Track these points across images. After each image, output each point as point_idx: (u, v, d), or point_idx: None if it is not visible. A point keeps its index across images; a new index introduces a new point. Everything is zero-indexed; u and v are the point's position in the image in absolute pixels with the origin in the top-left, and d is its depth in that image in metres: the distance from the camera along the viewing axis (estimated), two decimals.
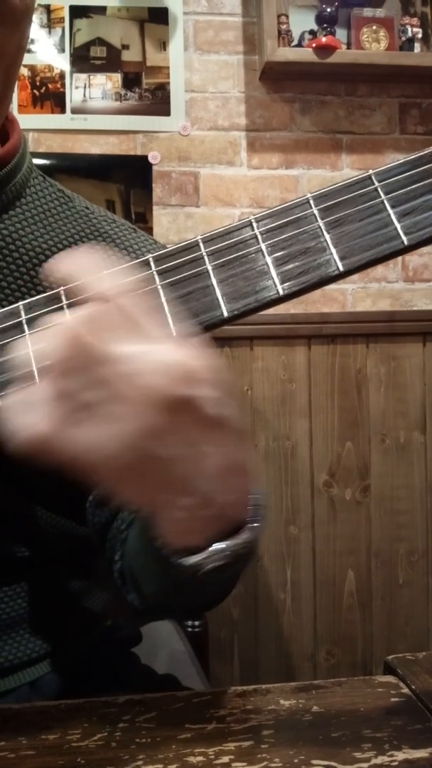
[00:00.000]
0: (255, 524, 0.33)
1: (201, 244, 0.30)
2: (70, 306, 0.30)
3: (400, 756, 0.32)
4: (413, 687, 0.38)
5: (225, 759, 0.32)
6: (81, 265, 0.29)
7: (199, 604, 0.43)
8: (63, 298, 0.31)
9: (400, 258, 1.44)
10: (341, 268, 0.29)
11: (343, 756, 0.32)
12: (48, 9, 1.33)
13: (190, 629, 0.82)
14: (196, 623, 0.83)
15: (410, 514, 1.41)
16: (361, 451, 1.40)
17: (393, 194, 0.29)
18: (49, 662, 0.50)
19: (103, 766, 0.32)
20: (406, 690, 0.38)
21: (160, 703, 0.38)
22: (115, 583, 0.47)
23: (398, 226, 0.29)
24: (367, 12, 1.36)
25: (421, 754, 0.32)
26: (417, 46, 1.36)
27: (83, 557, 0.54)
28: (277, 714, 0.36)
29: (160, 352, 0.27)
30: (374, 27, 1.35)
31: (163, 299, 0.29)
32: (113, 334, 0.27)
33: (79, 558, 0.54)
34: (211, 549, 0.32)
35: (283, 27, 1.34)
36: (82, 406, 0.27)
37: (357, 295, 1.42)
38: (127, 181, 1.36)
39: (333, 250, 0.29)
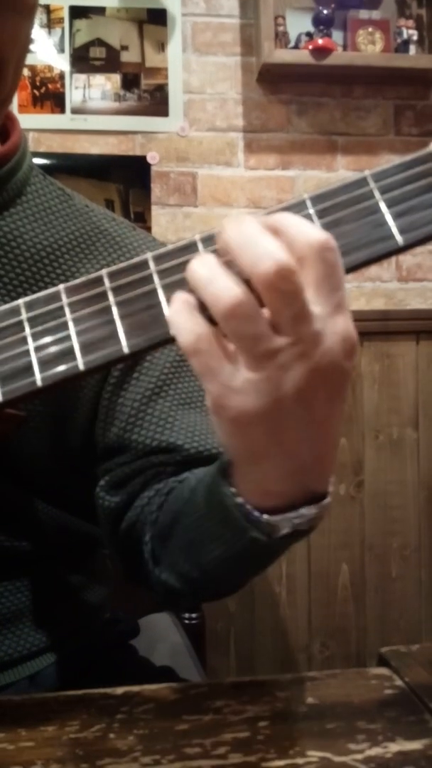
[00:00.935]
0: (326, 501, 0.33)
1: (199, 244, 0.30)
2: (70, 305, 0.30)
3: (394, 747, 0.33)
4: (406, 679, 0.39)
5: (221, 750, 0.32)
6: (277, 214, 0.28)
7: (249, 578, 0.42)
8: (63, 295, 0.31)
9: (394, 258, 1.45)
10: None
11: (337, 747, 0.32)
12: (48, 9, 1.34)
13: (187, 621, 0.83)
14: (194, 616, 0.84)
15: (403, 509, 1.42)
16: (356, 447, 1.41)
17: (388, 195, 0.29)
18: (49, 656, 0.50)
19: (101, 757, 0.32)
20: (399, 682, 0.39)
21: (157, 695, 0.38)
22: (136, 566, 0.46)
23: (393, 226, 0.29)
24: (363, 14, 1.37)
25: (414, 745, 0.33)
26: (412, 48, 1.37)
27: (82, 551, 0.55)
28: (273, 705, 0.36)
29: (338, 319, 0.27)
30: (370, 29, 1.36)
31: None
32: (319, 289, 0.26)
33: (79, 552, 0.54)
34: (288, 514, 0.32)
35: (280, 29, 1.34)
36: (262, 353, 0.26)
37: (351, 294, 1.43)
38: (126, 181, 1.36)
39: None
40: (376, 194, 0.30)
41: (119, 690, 0.39)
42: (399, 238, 0.29)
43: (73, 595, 0.54)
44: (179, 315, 0.27)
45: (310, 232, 0.27)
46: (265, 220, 0.27)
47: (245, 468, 0.32)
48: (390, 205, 0.29)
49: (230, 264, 0.27)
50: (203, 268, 0.27)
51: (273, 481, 0.30)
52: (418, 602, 1.43)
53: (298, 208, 0.30)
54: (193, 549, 0.39)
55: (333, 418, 0.29)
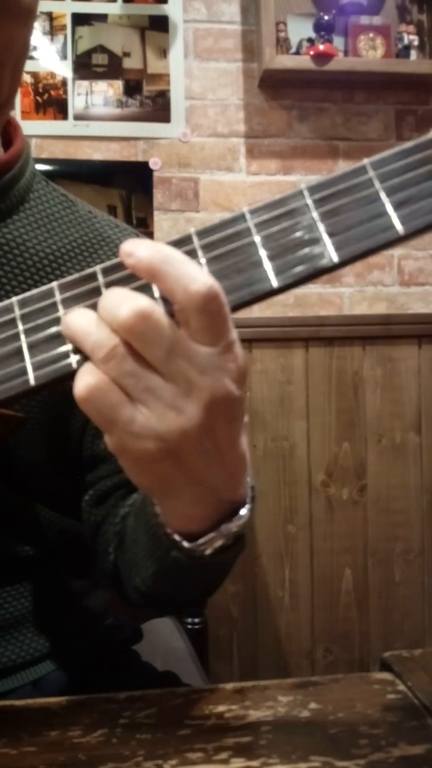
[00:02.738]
0: (249, 506, 0.34)
1: (194, 237, 0.30)
2: (64, 302, 0.30)
3: (397, 752, 0.32)
4: (409, 684, 0.39)
5: (224, 755, 0.32)
6: (159, 252, 0.28)
7: (197, 592, 0.43)
8: (56, 292, 0.30)
9: (396, 262, 1.45)
10: (336, 259, 0.28)
11: (340, 752, 0.32)
12: (50, 16, 1.35)
13: (189, 627, 0.83)
14: (196, 621, 0.84)
15: (406, 513, 1.42)
16: (358, 451, 1.41)
17: (388, 183, 0.29)
18: (52, 661, 0.50)
19: (103, 762, 0.32)
20: (402, 687, 0.39)
21: (159, 700, 0.38)
22: (109, 577, 0.48)
23: (394, 215, 0.28)
24: (364, 20, 1.38)
25: (416, 750, 0.33)
26: (413, 54, 1.38)
27: (84, 556, 0.55)
28: (275, 710, 0.36)
29: (228, 358, 0.28)
30: (371, 35, 1.37)
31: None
32: (204, 336, 0.27)
33: (80, 557, 0.54)
34: (218, 530, 0.33)
35: (282, 35, 1.35)
36: (144, 389, 0.27)
37: (354, 299, 1.44)
38: (128, 187, 1.37)
39: (328, 241, 0.28)
40: (376, 183, 0.29)
41: (122, 695, 0.39)
42: (399, 228, 0.28)
43: (76, 600, 0.54)
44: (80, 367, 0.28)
45: (189, 284, 0.27)
46: (146, 263, 0.27)
47: (158, 499, 0.33)
48: (389, 193, 0.29)
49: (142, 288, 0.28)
50: (78, 321, 0.28)
51: (189, 506, 0.32)
52: (421, 607, 1.43)
53: (295, 198, 0.29)
54: (137, 564, 0.40)
55: (236, 439, 0.30)
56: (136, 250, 0.28)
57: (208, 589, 0.43)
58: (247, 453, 0.32)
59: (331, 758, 0.32)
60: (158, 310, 0.27)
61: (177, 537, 0.33)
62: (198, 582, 0.40)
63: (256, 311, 1.36)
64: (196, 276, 0.27)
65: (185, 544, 0.33)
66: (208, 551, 0.33)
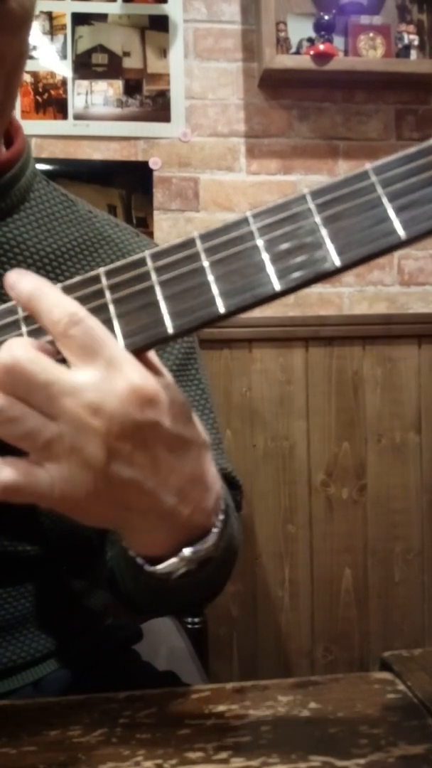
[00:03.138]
0: (221, 527, 0.33)
1: (197, 241, 0.30)
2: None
3: (397, 752, 0.32)
4: (409, 684, 0.39)
5: (223, 754, 0.32)
6: (33, 287, 0.29)
7: (177, 606, 0.44)
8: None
9: (396, 262, 1.45)
10: (338, 264, 0.28)
11: (340, 752, 0.32)
12: (50, 16, 1.35)
13: (190, 626, 0.83)
14: (196, 620, 0.84)
15: (406, 512, 1.42)
16: (358, 451, 1.41)
17: (390, 188, 0.29)
18: (52, 662, 0.50)
19: (103, 762, 0.32)
20: (401, 687, 0.39)
21: (159, 699, 0.38)
22: (109, 580, 0.48)
23: (396, 220, 0.28)
24: (364, 20, 1.38)
25: (416, 750, 0.32)
26: (413, 53, 1.38)
27: (85, 556, 0.55)
28: (275, 710, 0.36)
29: (114, 378, 0.27)
30: (371, 34, 1.37)
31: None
32: (79, 358, 0.27)
33: (81, 557, 0.54)
34: (179, 556, 0.32)
35: (282, 34, 1.35)
36: (44, 444, 0.27)
37: (353, 298, 1.44)
38: (128, 187, 1.37)
39: (330, 246, 0.29)
40: (378, 188, 0.29)
41: (122, 694, 0.39)
42: (402, 233, 0.28)
43: (76, 600, 0.54)
44: None
45: (53, 310, 0.28)
46: (24, 298, 0.28)
47: (118, 529, 0.33)
48: (392, 198, 0.29)
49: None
50: None
51: (146, 534, 0.31)
52: (421, 606, 1.43)
53: (298, 202, 0.30)
54: (121, 577, 0.41)
55: (170, 463, 0.29)
56: (17, 283, 0.29)
57: (196, 601, 0.43)
58: (205, 473, 0.31)
59: (331, 758, 0.32)
60: (24, 357, 0.27)
61: (140, 561, 0.33)
62: (179, 599, 0.40)
63: (256, 311, 1.35)
64: (57, 303, 0.28)
65: (147, 568, 0.33)
66: (177, 574, 0.33)
